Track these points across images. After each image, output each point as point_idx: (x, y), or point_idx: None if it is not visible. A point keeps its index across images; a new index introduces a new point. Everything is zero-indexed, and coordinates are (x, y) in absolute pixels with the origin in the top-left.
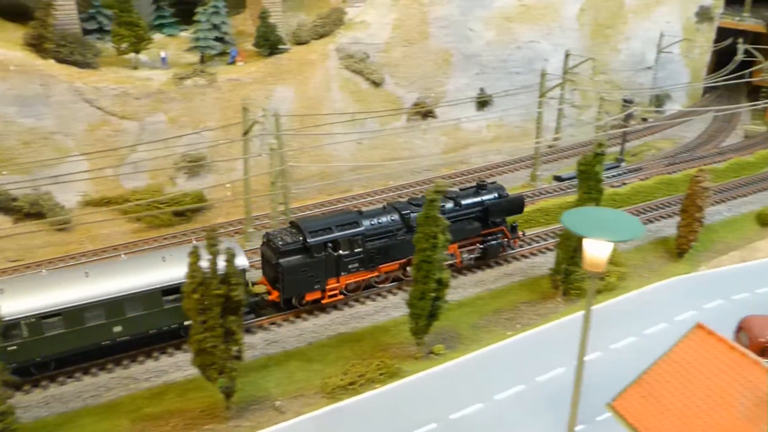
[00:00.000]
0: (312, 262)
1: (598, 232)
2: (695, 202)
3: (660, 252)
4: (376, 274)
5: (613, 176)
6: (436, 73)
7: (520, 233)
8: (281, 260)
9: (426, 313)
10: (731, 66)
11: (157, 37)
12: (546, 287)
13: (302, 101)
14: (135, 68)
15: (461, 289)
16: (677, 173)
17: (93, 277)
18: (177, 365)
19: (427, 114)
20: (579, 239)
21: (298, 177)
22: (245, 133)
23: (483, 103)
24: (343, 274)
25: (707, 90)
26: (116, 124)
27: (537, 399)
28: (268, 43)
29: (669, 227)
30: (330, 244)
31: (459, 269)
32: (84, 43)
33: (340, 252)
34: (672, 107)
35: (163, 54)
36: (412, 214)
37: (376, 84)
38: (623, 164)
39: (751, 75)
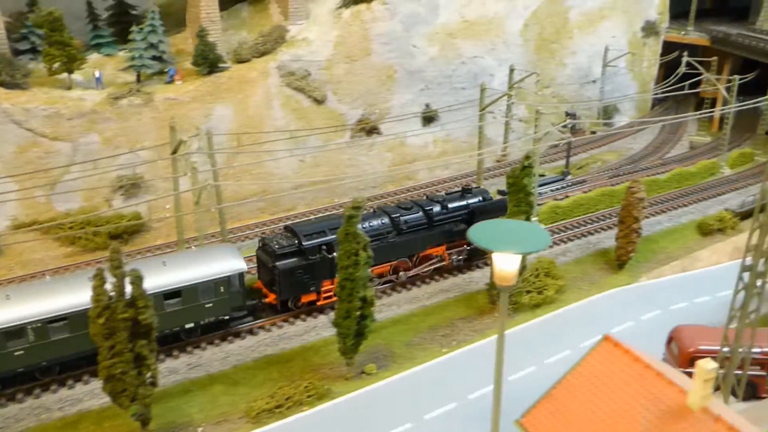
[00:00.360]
0: (307, 264)
1: (506, 245)
2: (631, 213)
3: (600, 264)
4: (373, 274)
5: (558, 189)
6: (380, 89)
7: None
8: (278, 263)
9: (352, 332)
10: (672, 79)
11: (95, 56)
12: (483, 302)
13: (242, 119)
14: (69, 88)
15: (395, 306)
16: (619, 185)
17: None
18: (93, 393)
19: (372, 130)
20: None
21: (237, 196)
22: (173, 153)
23: (429, 118)
24: (337, 275)
25: (656, 102)
26: (47, 145)
27: (467, 417)
28: (207, 62)
29: (609, 239)
30: (324, 247)
31: (409, 282)
32: (12, 63)
33: (334, 254)
34: (621, 119)
35: (97, 73)
36: (401, 218)
37: (319, 101)
38: (569, 177)
39: (698, 86)
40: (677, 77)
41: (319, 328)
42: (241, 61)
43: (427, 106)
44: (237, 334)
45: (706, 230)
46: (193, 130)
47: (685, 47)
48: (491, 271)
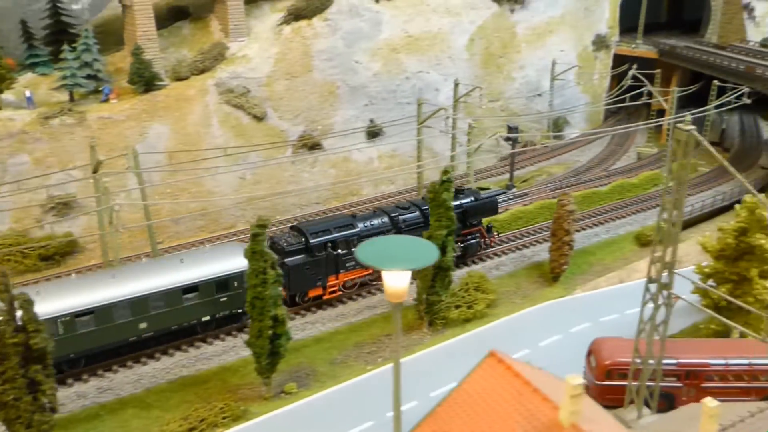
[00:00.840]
0: (314, 261)
1: (393, 262)
2: (562, 225)
3: (535, 277)
4: (371, 271)
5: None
6: (322, 105)
7: (495, 234)
8: (287, 260)
9: (266, 351)
10: (616, 91)
11: (29, 76)
12: (411, 318)
13: (179, 138)
14: None
15: (319, 324)
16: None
17: (119, 279)
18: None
19: (314, 147)
20: (435, 268)
21: (174, 215)
22: (94, 172)
23: (373, 134)
24: (341, 271)
25: (609, 114)
26: None
27: None
28: (143, 80)
29: (545, 252)
30: (329, 244)
31: (335, 299)
32: None
33: (339, 251)
34: (572, 132)
35: (28, 93)
36: (400, 217)
37: (258, 118)
38: (513, 190)
39: (641, 98)
40: (621, 90)
41: (238, 348)
42: (179, 79)
43: (372, 121)
44: (151, 356)
45: (644, 241)
46: (127, 149)
47: (636, 60)
48: (417, 286)
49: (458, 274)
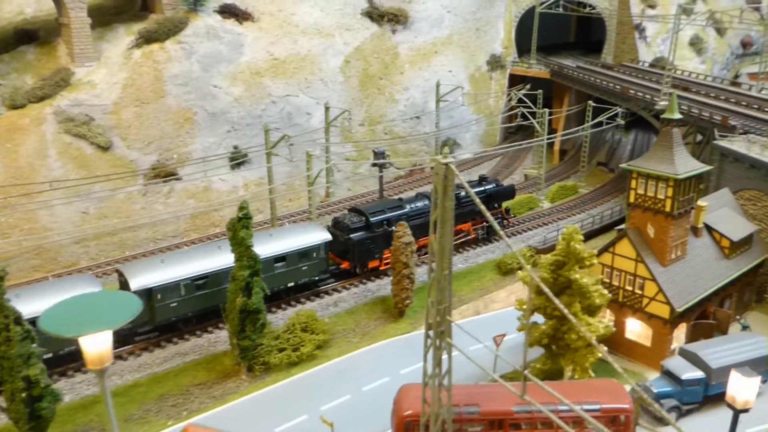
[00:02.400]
0: (373, 236)
1: (89, 324)
2: (399, 258)
3: (378, 313)
4: (416, 246)
5: None
6: (178, 132)
7: (512, 215)
8: (351, 236)
9: (24, 416)
10: (503, 108)
11: None
12: (228, 364)
13: (10, 171)
14: None
15: (116, 376)
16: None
17: (224, 249)
18: None
19: (169, 177)
20: (242, 311)
21: (2, 255)
22: None
23: (238, 161)
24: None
25: (508, 135)
26: None
27: None
28: None
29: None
30: (385, 222)
31: (136, 347)
32: None
33: (393, 228)
34: (462, 153)
35: None
36: None
37: (104, 148)
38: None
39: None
40: (511, 110)
41: None
42: (16, 107)
43: (236, 148)
44: None
45: (506, 269)
46: None
47: (530, 80)
48: (228, 330)
49: (288, 313)
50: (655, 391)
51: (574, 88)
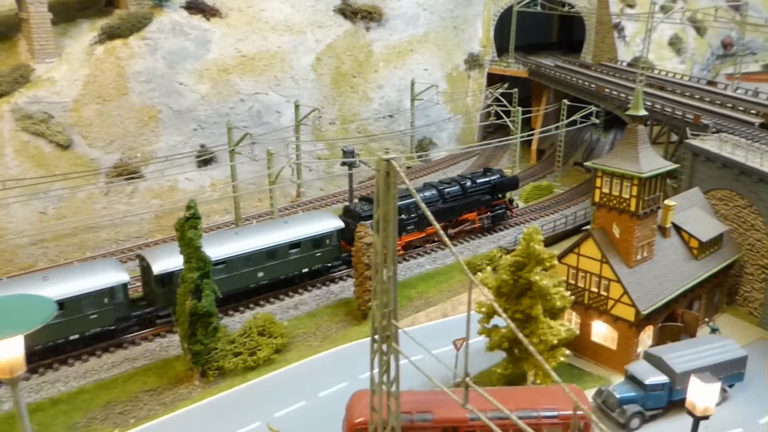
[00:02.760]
0: None
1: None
2: (361, 259)
3: (341, 315)
4: (424, 234)
5: None
6: (142, 130)
7: (515, 205)
8: (361, 223)
9: None
10: (481, 106)
11: None
12: (180, 369)
13: None
14: None
15: (60, 383)
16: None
17: (241, 236)
18: None
19: (133, 176)
20: (192, 315)
21: None
22: None
23: (205, 160)
24: (403, 234)
25: (487, 134)
26: None
27: None
28: None
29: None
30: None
31: (83, 353)
32: None
33: (402, 216)
34: (438, 152)
35: None
36: (445, 190)
37: (63, 146)
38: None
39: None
40: (488, 109)
41: None
42: None
43: (203, 147)
44: None
45: (475, 270)
46: None
47: (508, 79)
48: (179, 333)
49: (247, 316)
50: (618, 396)
51: (552, 87)
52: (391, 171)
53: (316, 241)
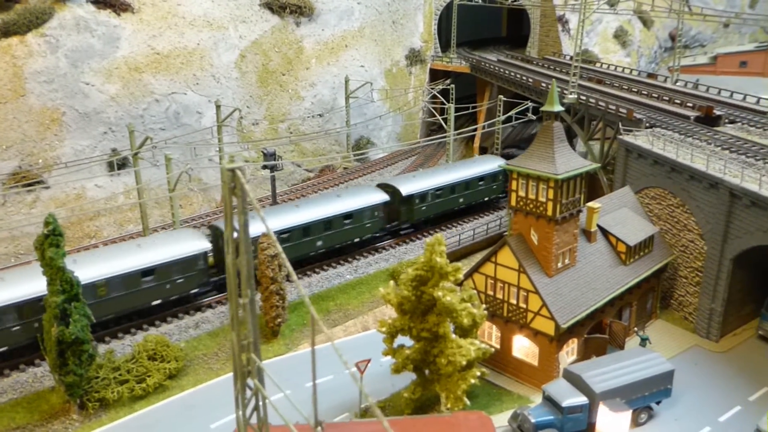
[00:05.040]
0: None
1: None
2: (265, 272)
3: None
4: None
5: None
6: (43, 135)
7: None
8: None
9: None
10: (420, 103)
11: None
12: (57, 402)
13: None
14: None
15: None
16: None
17: (302, 208)
18: None
19: (33, 184)
20: (59, 343)
21: None
22: None
23: (118, 165)
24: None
25: (431, 131)
26: None
27: None
28: None
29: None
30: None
31: None
32: None
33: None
34: (376, 152)
35: None
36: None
37: None
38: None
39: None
40: (425, 106)
41: None
42: None
43: (114, 151)
44: None
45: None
46: None
47: (450, 75)
48: (48, 363)
49: (138, 338)
50: (533, 420)
51: (495, 83)
52: (236, 182)
53: (368, 212)
